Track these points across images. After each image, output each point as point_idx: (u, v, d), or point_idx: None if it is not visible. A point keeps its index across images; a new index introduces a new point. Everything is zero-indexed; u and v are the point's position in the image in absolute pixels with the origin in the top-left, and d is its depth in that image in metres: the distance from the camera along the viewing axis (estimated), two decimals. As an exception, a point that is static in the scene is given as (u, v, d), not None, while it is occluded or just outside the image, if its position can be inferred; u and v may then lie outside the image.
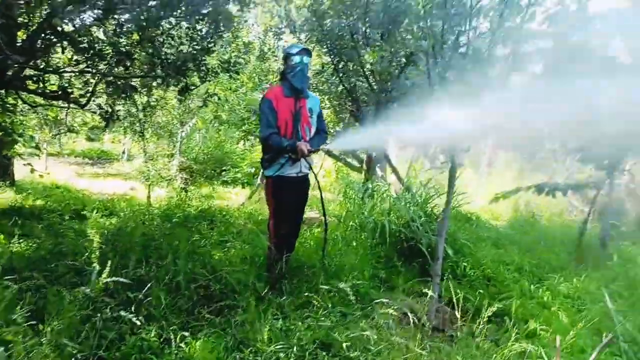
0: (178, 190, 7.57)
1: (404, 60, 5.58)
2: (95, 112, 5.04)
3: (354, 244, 4.51)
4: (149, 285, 2.98)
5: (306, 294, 3.28)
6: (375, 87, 5.90)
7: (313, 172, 3.84)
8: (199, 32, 4.18)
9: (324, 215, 3.87)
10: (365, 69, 5.76)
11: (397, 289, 3.94)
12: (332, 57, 5.95)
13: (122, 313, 2.64)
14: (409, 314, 3.13)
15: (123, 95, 4.67)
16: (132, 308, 2.74)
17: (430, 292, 3.12)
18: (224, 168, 12.39)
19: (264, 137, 3.52)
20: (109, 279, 2.79)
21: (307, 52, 3.62)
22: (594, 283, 3.74)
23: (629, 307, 3.18)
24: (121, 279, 2.85)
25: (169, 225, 5.20)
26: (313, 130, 3.73)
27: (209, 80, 4.68)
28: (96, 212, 6.05)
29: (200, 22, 4.13)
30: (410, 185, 5.46)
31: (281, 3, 7.67)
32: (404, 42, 5.70)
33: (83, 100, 4.64)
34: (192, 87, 4.57)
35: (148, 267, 3.42)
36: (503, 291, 3.58)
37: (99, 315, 2.63)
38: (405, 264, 4.30)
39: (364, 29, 5.32)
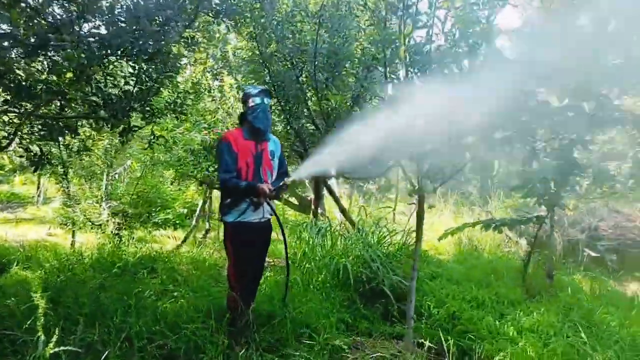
0: (111, 236, 7.00)
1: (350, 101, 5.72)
2: (22, 156, 4.55)
3: (312, 287, 4.37)
4: (104, 352, 2.63)
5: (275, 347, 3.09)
6: (320, 127, 5.95)
7: (277, 216, 3.70)
8: (145, 72, 3.96)
9: (287, 259, 3.72)
10: (311, 111, 5.81)
11: (362, 333, 3.85)
12: (278, 99, 5.95)
13: (75, 388, 2.30)
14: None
15: (56, 136, 4.27)
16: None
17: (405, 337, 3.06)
18: (153, 209, 11.80)
19: (222, 181, 3.35)
20: (57, 349, 2.43)
21: (267, 93, 3.56)
22: (552, 315, 3.88)
23: (594, 339, 3.31)
24: (70, 348, 2.50)
25: (105, 276, 4.75)
26: (275, 174, 3.62)
27: (154, 122, 4.43)
28: (16, 265, 5.40)
29: (148, 62, 3.92)
30: (362, 224, 5.47)
31: (217, 45, 7.65)
32: (348, 84, 5.86)
33: (4, 143, 4.20)
34: (136, 129, 4.29)
35: (94, 328, 3.05)
36: (470, 329, 3.62)
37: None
38: (367, 306, 4.22)
39: (313, 72, 5.38)
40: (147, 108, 4.09)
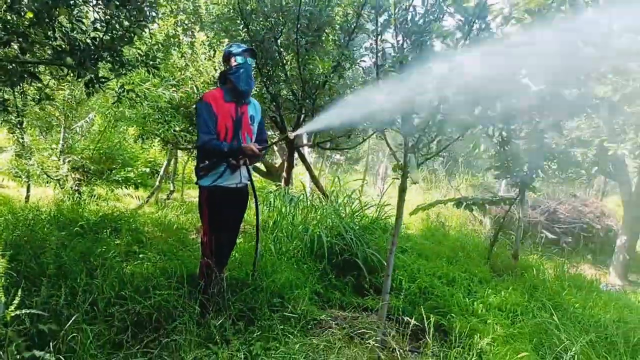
0: (70, 191, 6.66)
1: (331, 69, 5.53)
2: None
3: (284, 256, 4.30)
4: (70, 316, 2.48)
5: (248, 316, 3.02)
6: (298, 94, 5.76)
7: (252, 182, 3.57)
8: (117, 19, 3.65)
9: (258, 227, 3.62)
10: (289, 76, 5.59)
11: (334, 305, 3.84)
12: (256, 61, 5.69)
13: (37, 353, 2.16)
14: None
15: (16, 82, 3.93)
16: (51, 345, 2.25)
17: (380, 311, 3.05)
18: (115, 167, 11.40)
19: (202, 143, 3.16)
20: (19, 312, 2.25)
21: (252, 52, 3.36)
22: (519, 295, 4.00)
23: (560, 319, 3.42)
24: (33, 311, 2.33)
25: (66, 235, 4.51)
26: (253, 139, 3.47)
27: (124, 74, 4.12)
28: (-35, 218, 5.05)
29: (121, 7, 3.61)
30: (336, 196, 5.41)
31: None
32: (328, 51, 5.67)
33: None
34: (104, 80, 3.99)
35: (58, 290, 2.88)
36: (440, 305, 3.67)
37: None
38: (339, 277, 4.21)
39: (295, 35, 5.14)
40: (117, 58, 3.79)
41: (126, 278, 3.38)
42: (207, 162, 3.26)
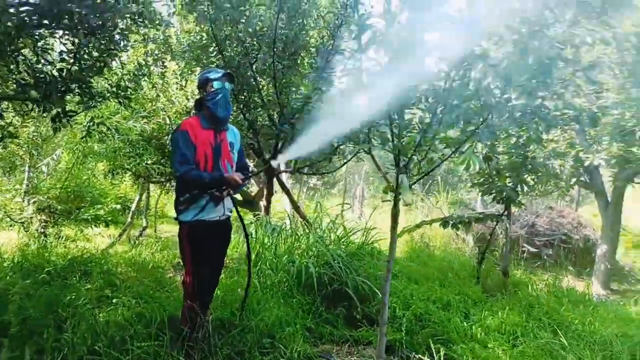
0: (35, 234, 6.26)
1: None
2: None
3: (270, 290, 4.06)
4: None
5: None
6: (275, 119, 5.62)
7: (237, 211, 3.36)
8: (86, 49, 3.45)
9: (249, 262, 3.40)
10: (265, 102, 5.46)
11: (326, 340, 3.61)
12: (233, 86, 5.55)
13: None
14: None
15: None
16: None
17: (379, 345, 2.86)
18: (83, 205, 10.95)
19: (181, 174, 2.95)
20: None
21: (230, 76, 3.20)
22: (516, 315, 3.86)
23: (563, 339, 3.29)
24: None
25: (31, 283, 4.16)
26: (234, 167, 3.28)
27: (94, 106, 3.90)
28: None
29: (90, 36, 3.41)
30: (319, 222, 5.21)
31: (159, 28, 7.04)
32: (305, 75, 5.59)
33: None
34: (72, 114, 3.75)
35: (22, 350, 2.57)
36: (439, 332, 3.49)
37: None
38: (329, 309, 3.99)
39: (272, 59, 5.03)
40: (87, 90, 3.57)
41: (99, 328, 3.08)
42: (187, 195, 3.05)
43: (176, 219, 3.13)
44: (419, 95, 2.90)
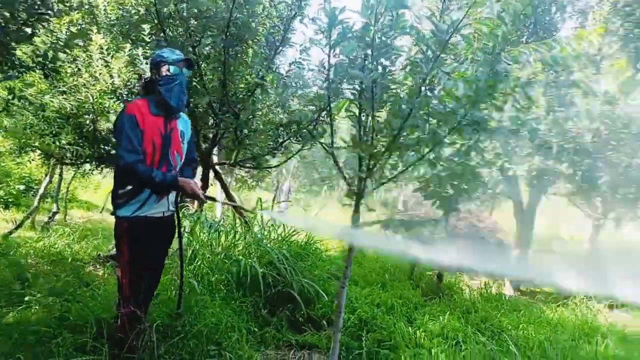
0: None
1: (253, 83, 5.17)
2: None
3: (209, 291, 3.80)
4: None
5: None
6: (218, 109, 5.29)
7: (177, 209, 3.06)
8: (12, 13, 2.95)
9: (182, 263, 3.12)
10: (208, 88, 5.09)
11: (269, 344, 3.45)
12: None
13: None
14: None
15: None
16: None
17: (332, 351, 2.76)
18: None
19: (127, 164, 2.59)
20: None
21: (189, 62, 2.90)
22: (455, 319, 3.95)
23: (503, 343, 3.41)
24: None
25: None
26: (183, 158, 2.98)
27: (17, 77, 3.38)
28: None
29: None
30: (260, 220, 4.98)
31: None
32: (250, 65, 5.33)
33: None
34: (-14, 83, 3.23)
35: None
36: (385, 337, 3.47)
37: None
38: (273, 311, 3.82)
39: (223, 45, 4.69)
40: (8, 57, 3.08)
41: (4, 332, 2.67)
42: (128, 187, 2.72)
43: (113, 214, 2.78)
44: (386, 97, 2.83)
